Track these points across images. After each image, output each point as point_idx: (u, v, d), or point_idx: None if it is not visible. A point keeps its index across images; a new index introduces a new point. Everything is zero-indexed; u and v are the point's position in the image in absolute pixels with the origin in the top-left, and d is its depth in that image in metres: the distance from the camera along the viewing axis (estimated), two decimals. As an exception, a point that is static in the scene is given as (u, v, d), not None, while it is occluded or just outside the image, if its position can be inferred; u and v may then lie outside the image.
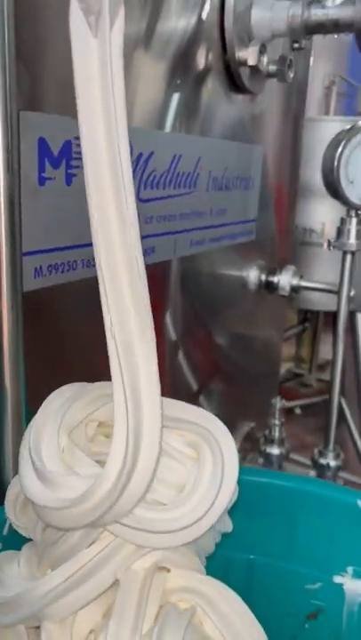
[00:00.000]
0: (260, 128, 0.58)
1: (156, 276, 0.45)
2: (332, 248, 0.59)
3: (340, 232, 0.60)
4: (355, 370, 1.21)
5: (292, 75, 0.51)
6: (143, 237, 0.40)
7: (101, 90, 0.19)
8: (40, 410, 0.22)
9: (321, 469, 0.66)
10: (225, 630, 0.22)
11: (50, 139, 0.31)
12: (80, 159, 0.21)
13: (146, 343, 0.20)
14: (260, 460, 0.66)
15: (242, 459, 0.66)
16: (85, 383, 0.24)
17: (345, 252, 0.60)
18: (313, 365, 1.67)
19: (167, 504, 0.21)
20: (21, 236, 0.30)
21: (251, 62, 0.46)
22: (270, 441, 0.66)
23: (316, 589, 0.35)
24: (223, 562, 0.28)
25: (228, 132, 0.51)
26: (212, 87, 0.47)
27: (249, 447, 0.68)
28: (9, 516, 0.25)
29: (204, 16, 0.44)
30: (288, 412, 1.46)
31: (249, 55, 0.46)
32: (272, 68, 0.49)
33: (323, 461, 0.66)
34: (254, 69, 0.47)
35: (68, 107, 0.31)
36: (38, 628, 0.22)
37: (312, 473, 0.66)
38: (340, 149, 0.56)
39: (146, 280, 0.21)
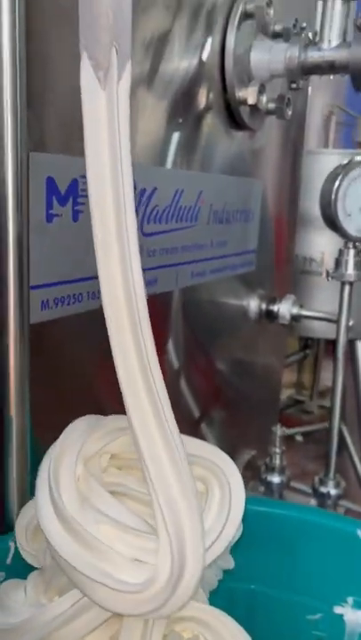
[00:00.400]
0: (260, 162, 0.60)
1: (159, 306, 0.46)
2: (330, 279, 0.60)
3: (338, 263, 0.61)
4: (355, 397, 1.21)
5: (290, 112, 0.52)
6: (146, 269, 0.42)
7: (109, 139, 0.21)
8: (59, 439, 0.23)
9: (322, 498, 0.66)
10: (227, 659, 0.22)
11: (57, 178, 0.32)
12: (86, 196, 0.23)
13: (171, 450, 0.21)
14: (261, 489, 0.66)
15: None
16: (100, 416, 0.25)
17: (343, 283, 0.61)
18: (314, 392, 1.67)
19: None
20: (29, 270, 0.31)
21: (250, 101, 0.48)
22: (271, 469, 0.66)
23: (317, 620, 0.35)
24: (225, 592, 0.28)
25: (229, 166, 0.53)
26: (213, 124, 0.49)
27: (250, 475, 0.68)
28: (19, 542, 0.26)
29: (205, 58, 0.46)
30: (289, 440, 1.46)
31: (249, 95, 0.47)
32: (271, 105, 0.51)
33: (323, 490, 0.66)
34: (254, 108, 0.49)
35: (74, 146, 0.33)
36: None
37: (313, 501, 0.66)
38: (337, 183, 0.58)
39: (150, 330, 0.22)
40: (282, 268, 0.72)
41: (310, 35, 0.49)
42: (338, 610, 0.34)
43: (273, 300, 0.67)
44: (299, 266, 0.95)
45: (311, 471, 1.34)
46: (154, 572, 0.20)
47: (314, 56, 0.47)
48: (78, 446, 0.22)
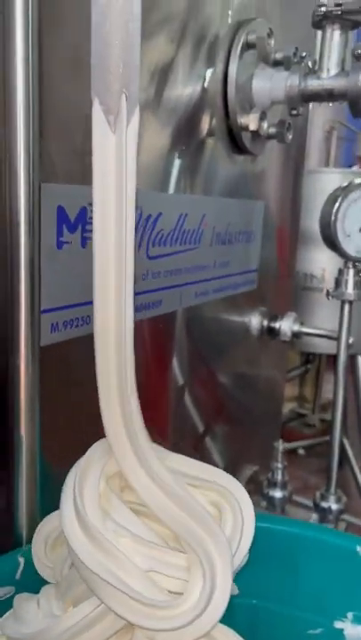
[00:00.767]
0: (261, 183, 0.62)
1: (162, 323, 0.47)
2: (330, 298, 0.62)
3: (338, 282, 0.62)
4: (357, 411, 1.22)
5: (290, 136, 0.54)
6: (151, 291, 0.43)
7: (116, 179, 0.22)
8: (86, 455, 0.25)
9: (323, 513, 0.67)
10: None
11: (67, 206, 0.33)
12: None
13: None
14: (264, 503, 0.67)
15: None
16: None
17: (343, 302, 0.62)
18: (316, 405, 1.67)
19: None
20: (40, 294, 0.32)
21: (252, 128, 0.49)
22: (273, 484, 0.67)
23: (318, 634, 0.35)
24: (228, 607, 0.29)
25: (231, 189, 0.54)
26: (216, 150, 0.50)
27: (252, 489, 0.69)
28: (37, 553, 0.27)
29: (208, 86, 0.47)
30: (291, 453, 1.46)
31: (250, 121, 0.49)
32: (272, 130, 0.53)
33: (325, 505, 0.67)
34: (255, 133, 0.51)
35: (84, 176, 0.34)
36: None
37: (314, 516, 0.67)
38: (337, 205, 0.59)
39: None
40: (283, 286, 0.73)
41: (310, 63, 0.51)
42: (338, 625, 0.35)
43: (274, 318, 0.68)
44: (300, 282, 0.97)
45: (313, 484, 1.34)
46: (184, 588, 0.21)
47: (313, 84, 0.49)
48: (102, 464, 0.24)
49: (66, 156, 0.33)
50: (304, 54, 0.50)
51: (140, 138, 0.30)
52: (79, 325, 0.36)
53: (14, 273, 0.31)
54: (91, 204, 0.23)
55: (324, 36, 0.49)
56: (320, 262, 0.95)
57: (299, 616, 0.36)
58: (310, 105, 0.74)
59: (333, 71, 0.49)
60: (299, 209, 0.77)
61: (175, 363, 0.50)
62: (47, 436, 0.34)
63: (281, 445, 0.66)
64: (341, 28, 0.48)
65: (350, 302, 0.62)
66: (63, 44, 0.32)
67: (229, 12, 0.48)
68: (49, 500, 0.34)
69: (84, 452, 0.25)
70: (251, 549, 0.27)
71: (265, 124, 0.50)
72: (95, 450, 0.25)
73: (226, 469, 0.25)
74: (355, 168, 1.71)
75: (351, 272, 0.61)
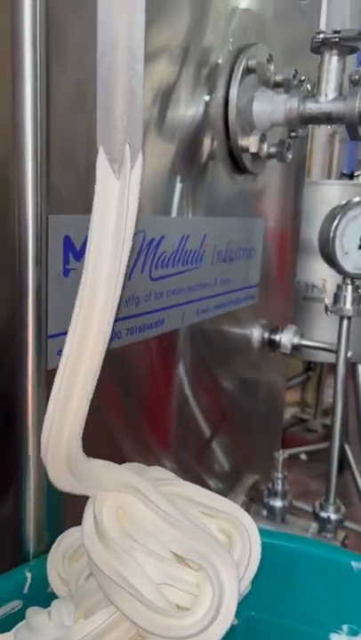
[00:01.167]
0: (262, 201, 0.63)
1: (166, 340, 0.48)
2: (329, 313, 0.63)
3: (336, 298, 0.64)
4: (357, 417, 1.23)
5: (290, 156, 0.55)
6: (153, 311, 0.44)
7: (115, 224, 0.24)
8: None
9: (322, 522, 0.68)
10: None
11: (73, 235, 0.35)
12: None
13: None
14: (264, 513, 0.68)
15: (245, 511, 0.67)
16: (143, 465, 0.28)
17: (342, 317, 0.64)
18: (318, 410, 1.68)
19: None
20: (47, 320, 0.34)
21: (252, 150, 0.50)
22: (274, 493, 0.68)
23: (314, 647, 0.37)
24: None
25: (232, 208, 0.55)
26: (217, 171, 0.51)
27: (253, 496, 0.70)
28: (53, 565, 0.28)
29: (209, 110, 0.49)
30: (293, 458, 1.47)
31: (251, 143, 0.50)
32: (272, 150, 0.54)
33: (324, 515, 0.68)
34: (255, 154, 0.52)
35: (89, 206, 0.35)
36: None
37: (313, 525, 0.68)
38: (335, 223, 0.60)
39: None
40: (283, 298, 0.75)
41: (309, 86, 0.52)
42: (334, 637, 0.36)
43: (275, 330, 0.69)
44: (301, 292, 0.98)
45: (315, 490, 1.36)
46: (192, 603, 0.23)
47: (312, 108, 0.50)
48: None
49: (71, 187, 0.34)
50: (303, 78, 0.52)
51: (144, 160, 0.32)
52: (84, 348, 0.37)
53: (22, 299, 0.33)
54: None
55: (323, 61, 0.50)
56: (321, 273, 0.96)
57: (296, 628, 0.37)
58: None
59: (331, 95, 0.50)
60: (299, 222, 0.78)
61: (178, 376, 0.51)
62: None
63: (281, 456, 0.67)
64: (339, 54, 0.49)
65: (349, 318, 0.63)
66: (68, 81, 0.33)
67: (230, 39, 0.49)
68: (55, 518, 0.35)
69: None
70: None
71: (265, 146, 0.52)
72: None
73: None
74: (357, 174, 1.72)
75: (350, 288, 0.62)
